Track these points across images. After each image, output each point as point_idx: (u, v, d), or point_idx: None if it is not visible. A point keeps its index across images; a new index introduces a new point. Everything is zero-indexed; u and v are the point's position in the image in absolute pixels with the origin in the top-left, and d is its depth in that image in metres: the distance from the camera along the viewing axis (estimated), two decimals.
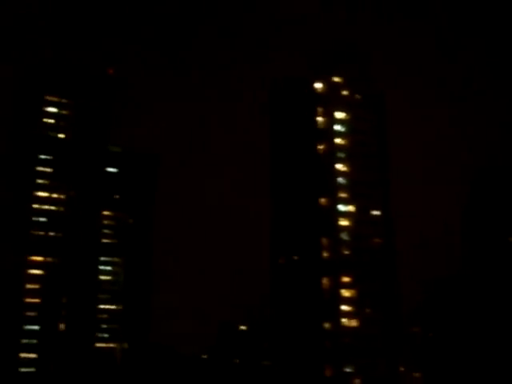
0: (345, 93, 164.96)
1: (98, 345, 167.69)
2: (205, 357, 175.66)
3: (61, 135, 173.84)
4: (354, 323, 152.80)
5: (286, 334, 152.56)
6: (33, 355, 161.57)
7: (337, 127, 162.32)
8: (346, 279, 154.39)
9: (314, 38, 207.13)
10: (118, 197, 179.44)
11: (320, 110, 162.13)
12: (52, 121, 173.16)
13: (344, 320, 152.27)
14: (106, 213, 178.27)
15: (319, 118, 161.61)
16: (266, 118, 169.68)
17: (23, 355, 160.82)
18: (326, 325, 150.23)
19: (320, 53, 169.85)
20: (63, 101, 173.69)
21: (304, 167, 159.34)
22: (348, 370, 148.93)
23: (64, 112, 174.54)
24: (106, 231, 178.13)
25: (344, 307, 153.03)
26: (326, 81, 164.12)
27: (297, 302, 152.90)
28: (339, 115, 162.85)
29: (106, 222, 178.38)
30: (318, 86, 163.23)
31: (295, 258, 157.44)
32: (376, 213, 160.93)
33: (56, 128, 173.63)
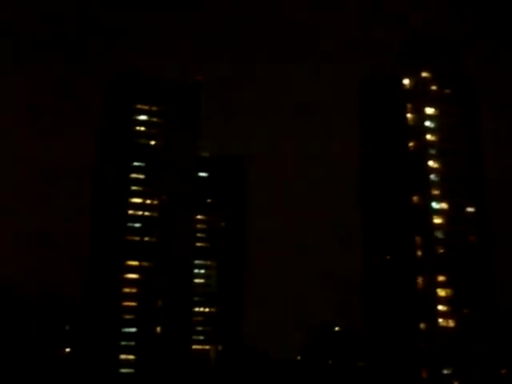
0: (434, 88, 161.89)
1: (194, 347, 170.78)
2: (298, 358, 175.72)
3: (152, 142, 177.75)
4: (451, 323, 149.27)
5: (381, 335, 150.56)
6: (131, 357, 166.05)
7: (427, 123, 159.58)
8: (441, 278, 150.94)
9: (401, 35, 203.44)
10: (209, 201, 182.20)
11: (409, 106, 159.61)
12: (143, 128, 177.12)
13: (441, 320, 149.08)
14: (198, 217, 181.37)
15: (409, 115, 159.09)
16: (356, 117, 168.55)
17: (122, 357, 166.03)
18: (422, 325, 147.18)
19: (408, 49, 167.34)
20: (153, 108, 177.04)
21: (395, 165, 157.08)
22: (446, 371, 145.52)
23: (154, 119, 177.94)
24: (199, 235, 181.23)
25: (440, 307, 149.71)
26: (415, 77, 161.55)
27: (391, 302, 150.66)
28: (429, 111, 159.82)
29: (198, 225, 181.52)
30: (407, 82, 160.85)
31: (388, 257, 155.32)
32: (470, 209, 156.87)
33: (147, 135, 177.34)
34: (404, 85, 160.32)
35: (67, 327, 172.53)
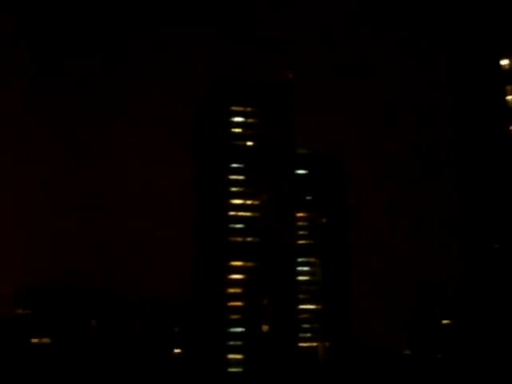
0: None
1: (301, 344, 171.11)
2: (407, 352, 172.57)
3: (249, 143, 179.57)
4: None
5: (491, 326, 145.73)
6: (239, 356, 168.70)
7: None
8: None
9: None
10: (309, 198, 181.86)
11: (509, 88, 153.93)
12: (239, 130, 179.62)
13: None
14: (299, 214, 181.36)
15: (509, 97, 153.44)
16: (448, 103, 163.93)
17: (230, 356, 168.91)
18: None
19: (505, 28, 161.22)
20: (248, 109, 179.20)
21: (496, 150, 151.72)
22: None
23: (250, 120, 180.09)
24: (301, 232, 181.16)
25: None
26: None
27: (500, 292, 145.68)
28: None
29: (300, 223, 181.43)
30: (505, 62, 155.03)
31: (496, 246, 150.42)
32: None
33: (244, 137, 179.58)
34: (502, 65, 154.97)
35: (176, 329, 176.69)
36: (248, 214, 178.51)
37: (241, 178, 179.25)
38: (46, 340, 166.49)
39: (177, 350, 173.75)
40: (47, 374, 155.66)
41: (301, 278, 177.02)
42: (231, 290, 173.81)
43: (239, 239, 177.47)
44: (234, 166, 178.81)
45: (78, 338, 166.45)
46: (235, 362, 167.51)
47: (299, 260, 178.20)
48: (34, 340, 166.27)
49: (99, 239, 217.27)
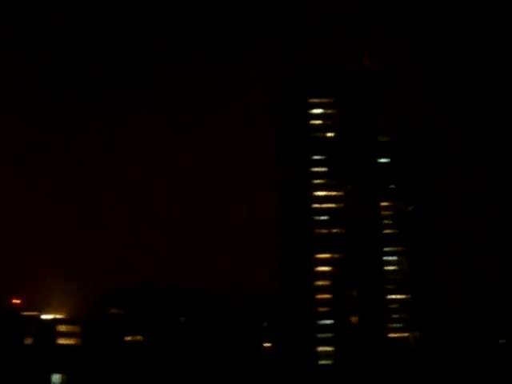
0: None
1: (391, 335, 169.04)
2: (503, 341, 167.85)
3: (329, 134, 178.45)
4: None
5: None
6: (329, 348, 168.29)
7: None
8: None
9: None
10: (393, 186, 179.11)
11: None
12: (319, 122, 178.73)
13: None
14: (383, 203, 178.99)
15: None
16: None
17: (320, 349, 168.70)
18: None
19: None
20: (326, 100, 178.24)
21: None
22: None
23: (329, 111, 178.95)
24: (386, 222, 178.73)
25: None
26: None
27: None
28: None
29: (385, 212, 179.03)
30: None
31: None
32: None
33: (324, 128, 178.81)
34: None
35: (265, 323, 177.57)
36: (332, 205, 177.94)
37: (323, 169, 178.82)
38: (138, 338, 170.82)
39: (266, 345, 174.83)
40: (140, 371, 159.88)
41: (388, 267, 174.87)
42: (319, 283, 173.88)
43: (324, 231, 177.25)
44: (316, 158, 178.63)
45: (169, 335, 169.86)
46: (325, 355, 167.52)
47: (385, 250, 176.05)
48: (127, 338, 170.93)
49: (187, 237, 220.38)
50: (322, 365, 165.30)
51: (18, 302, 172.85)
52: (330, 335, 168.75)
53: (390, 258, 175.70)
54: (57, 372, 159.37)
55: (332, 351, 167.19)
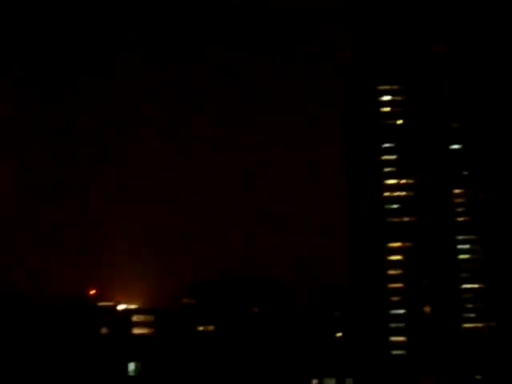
0: None
1: (465, 325, 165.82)
2: None
3: (399, 121, 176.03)
4: None
5: None
6: (402, 338, 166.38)
7: None
8: None
9: None
10: (466, 173, 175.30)
11: None
12: (388, 109, 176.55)
13: None
14: (456, 191, 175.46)
15: None
16: None
17: (393, 339, 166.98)
18: None
19: None
20: (395, 87, 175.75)
21: None
22: None
23: (398, 98, 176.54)
24: (459, 209, 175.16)
25: None
26: None
27: None
28: None
29: (457, 200, 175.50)
30: None
31: None
32: None
33: (393, 115, 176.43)
34: None
35: (337, 313, 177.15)
36: (403, 193, 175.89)
37: (393, 157, 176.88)
38: (210, 328, 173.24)
39: (338, 334, 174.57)
40: (212, 360, 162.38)
41: (461, 256, 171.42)
42: (391, 272, 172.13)
43: (396, 219, 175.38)
44: (386, 145, 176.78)
45: (241, 326, 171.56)
46: (398, 345, 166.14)
47: (459, 238, 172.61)
48: (200, 328, 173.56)
49: (258, 229, 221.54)
50: (395, 355, 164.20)
51: (94, 292, 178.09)
52: (402, 325, 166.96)
53: (463, 247, 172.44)
54: (132, 361, 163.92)
55: (404, 341, 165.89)
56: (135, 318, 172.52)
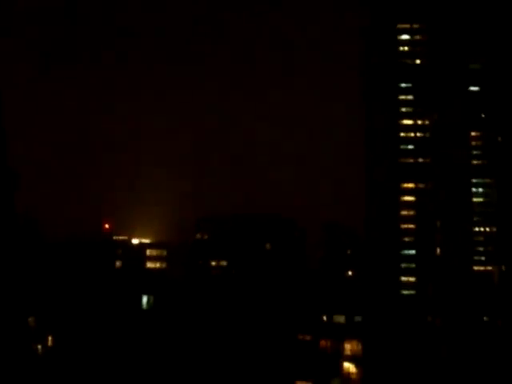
0: None
1: (475, 268, 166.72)
2: None
3: (417, 61, 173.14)
4: None
5: None
6: (412, 279, 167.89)
7: None
8: None
9: None
10: (483, 116, 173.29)
11: None
12: (406, 48, 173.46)
13: None
14: (472, 133, 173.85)
15: None
16: None
17: (403, 279, 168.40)
18: None
19: None
20: (415, 26, 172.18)
21: None
22: None
23: (417, 37, 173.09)
24: (474, 152, 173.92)
25: None
26: None
27: None
28: None
29: (473, 142, 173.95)
30: None
31: None
32: None
33: (412, 55, 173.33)
34: None
35: (348, 251, 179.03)
36: (419, 134, 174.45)
37: (410, 97, 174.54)
38: (223, 263, 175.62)
39: (349, 273, 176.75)
40: (224, 295, 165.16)
41: (475, 199, 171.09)
42: (404, 212, 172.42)
43: (410, 160, 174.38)
44: (403, 85, 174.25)
45: (254, 261, 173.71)
46: (408, 285, 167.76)
47: (473, 181, 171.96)
48: (213, 263, 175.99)
49: (273, 169, 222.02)
50: (405, 295, 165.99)
51: (108, 226, 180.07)
52: (413, 265, 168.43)
53: (477, 190, 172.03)
54: (145, 294, 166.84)
55: (414, 282, 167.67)
56: (148, 252, 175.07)
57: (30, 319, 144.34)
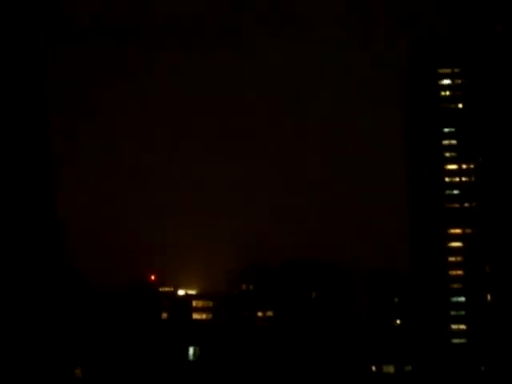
0: None
1: None
2: None
3: (459, 105, 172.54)
4: None
5: None
6: (462, 326, 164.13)
7: None
8: None
9: None
10: None
11: None
12: (448, 93, 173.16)
13: None
14: None
15: None
16: None
17: (453, 327, 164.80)
18: None
19: None
20: (456, 70, 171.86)
21: None
22: None
23: (458, 81, 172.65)
24: None
25: None
26: None
27: None
28: None
29: None
30: None
31: None
32: None
33: (454, 99, 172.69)
34: None
35: (396, 299, 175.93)
36: (464, 178, 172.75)
37: (454, 142, 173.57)
38: (269, 313, 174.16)
39: (397, 321, 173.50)
40: (272, 346, 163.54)
41: None
42: (451, 259, 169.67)
43: (456, 205, 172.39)
44: (447, 130, 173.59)
45: (301, 310, 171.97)
46: (458, 333, 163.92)
47: None
48: (259, 313, 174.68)
49: (317, 213, 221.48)
50: (455, 343, 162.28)
51: (154, 277, 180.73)
52: (463, 313, 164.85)
53: None
54: (192, 345, 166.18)
55: (465, 329, 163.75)
56: (195, 303, 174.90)
57: (77, 370, 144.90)
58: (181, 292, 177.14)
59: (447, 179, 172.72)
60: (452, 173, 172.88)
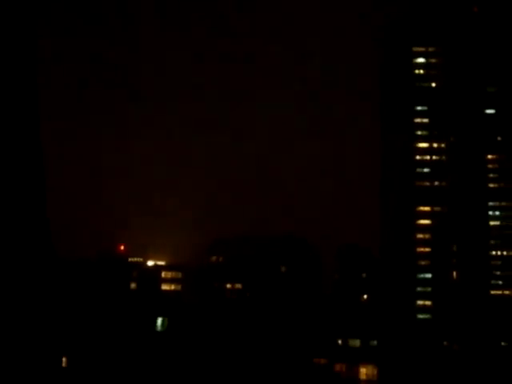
0: None
1: (492, 292, 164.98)
2: None
3: (433, 84, 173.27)
4: None
5: None
6: (428, 303, 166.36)
7: None
8: None
9: None
10: (499, 138, 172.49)
11: None
12: (422, 71, 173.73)
13: None
14: (489, 156, 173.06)
15: None
16: None
17: (419, 302, 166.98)
18: None
19: None
20: (430, 49, 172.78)
21: None
22: None
23: (433, 60, 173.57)
24: (491, 175, 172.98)
25: None
26: None
27: None
28: None
29: (490, 165, 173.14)
30: None
31: None
32: None
33: (427, 78, 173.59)
34: None
35: (364, 275, 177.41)
36: (435, 157, 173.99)
37: (426, 120, 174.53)
38: (238, 286, 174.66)
39: (365, 296, 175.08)
40: (239, 318, 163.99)
41: (492, 222, 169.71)
42: (419, 236, 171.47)
43: (426, 184, 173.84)
44: (419, 108, 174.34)
45: (269, 284, 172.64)
46: (424, 309, 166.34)
47: (490, 204, 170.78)
48: (228, 285, 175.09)
49: (287, 189, 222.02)
50: (421, 319, 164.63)
51: (124, 248, 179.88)
52: (429, 289, 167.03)
53: (494, 213, 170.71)
54: (160, 316, 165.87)
55: (430, 306, 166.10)
56: (164, 274, 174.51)
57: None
58: (150, 263, 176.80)
59: (418, 157, 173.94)
60: (423, 151, 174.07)
